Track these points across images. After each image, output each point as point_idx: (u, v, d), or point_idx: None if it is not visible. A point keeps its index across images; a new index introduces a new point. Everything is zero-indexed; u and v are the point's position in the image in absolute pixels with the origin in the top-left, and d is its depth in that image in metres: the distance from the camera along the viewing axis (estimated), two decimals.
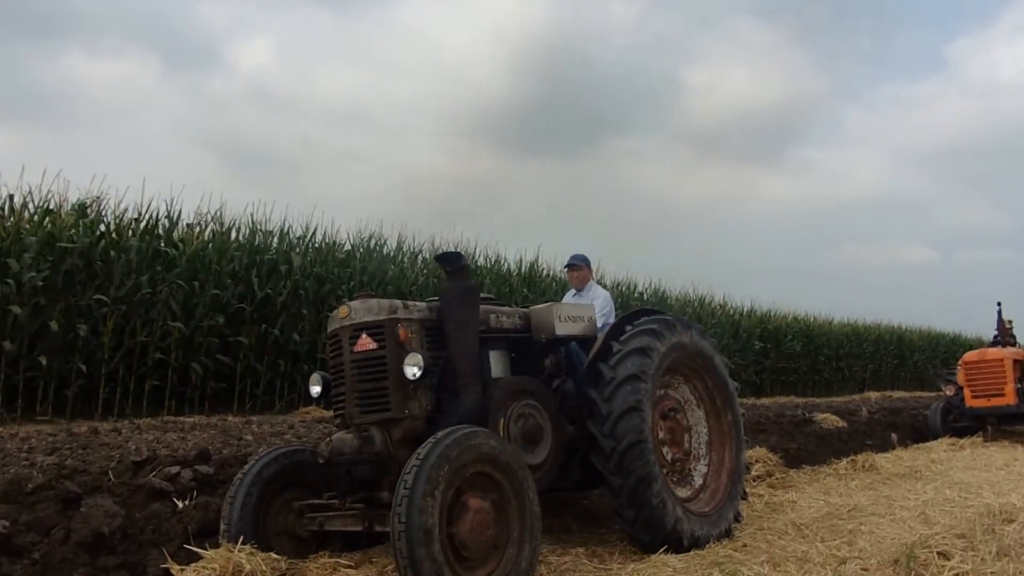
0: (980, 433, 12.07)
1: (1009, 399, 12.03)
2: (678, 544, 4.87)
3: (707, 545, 5.02)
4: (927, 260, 76.46)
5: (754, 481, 7.36)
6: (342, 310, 4.68)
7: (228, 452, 6.54)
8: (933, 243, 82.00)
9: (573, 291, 7.05)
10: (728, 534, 5.31)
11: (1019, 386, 12.15)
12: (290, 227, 13.89)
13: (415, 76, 63.03)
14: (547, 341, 5.34)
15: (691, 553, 4.83)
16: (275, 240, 13.42)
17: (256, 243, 12.96)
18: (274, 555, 4.21)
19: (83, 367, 10.03)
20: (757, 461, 7.89)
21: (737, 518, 5.56)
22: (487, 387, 4.77)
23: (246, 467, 4.69)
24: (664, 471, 5.14)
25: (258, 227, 13.30)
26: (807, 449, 9.72)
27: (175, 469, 5.56)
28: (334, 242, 14.47)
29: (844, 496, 6.98)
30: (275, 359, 12.21)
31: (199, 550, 4.19)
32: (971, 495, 6.97)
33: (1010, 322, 14.27)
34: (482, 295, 5.12)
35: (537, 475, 4.61)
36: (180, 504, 5.07)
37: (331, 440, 4.53)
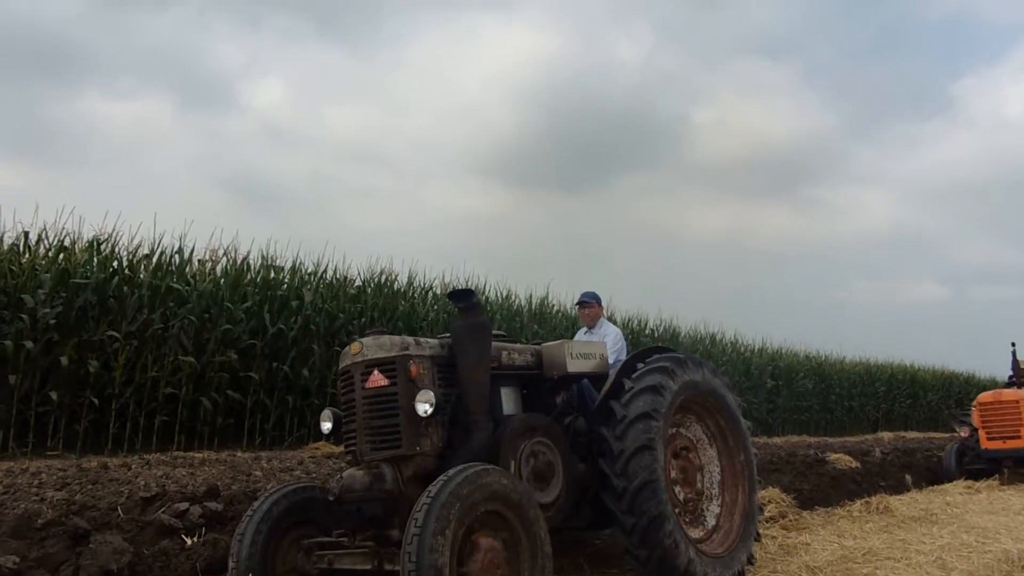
0: (996, 476, 11.90)
1: None
2: None
3: None
4: (938, 297, 76.11)
5: (767, 522, 7.26)
6: (354, 346, 4.70)
7: (237, 488, 6.53)
8: (944, 280, 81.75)
9: (584, 328, 7.07)
10: None
11: None
12: (302, 263, 13.99)
13: (426, 114, 63.88)
14: (559, 378, 5.33)
15: None
16: (287, 276, 13.50)
17: (268, 279, 13.04)
18: None
19: (94, 401, 10.06)
20: (770, 502, 7.80)
21: (750, 560, 5.48)
22: (498, 424, 4.75)
23: (255, 504, 4.66)
24: (676, 511, 5.08)
25: (270, 263, 13.40)
26: (820, 490, 9.61)
27: (184, 505, 5.55)
28: (345, 278, 14.52)
29: (858, 539, 6.87)
30: (285, 394, 12.21)
31: None
32: (989, 540, 6.84)
33: None
34: (493, 332, 5.12)
35: (548, 514, 4.57)
36: (189, 541, 5.05)
37: (342, 477, 4.51)
